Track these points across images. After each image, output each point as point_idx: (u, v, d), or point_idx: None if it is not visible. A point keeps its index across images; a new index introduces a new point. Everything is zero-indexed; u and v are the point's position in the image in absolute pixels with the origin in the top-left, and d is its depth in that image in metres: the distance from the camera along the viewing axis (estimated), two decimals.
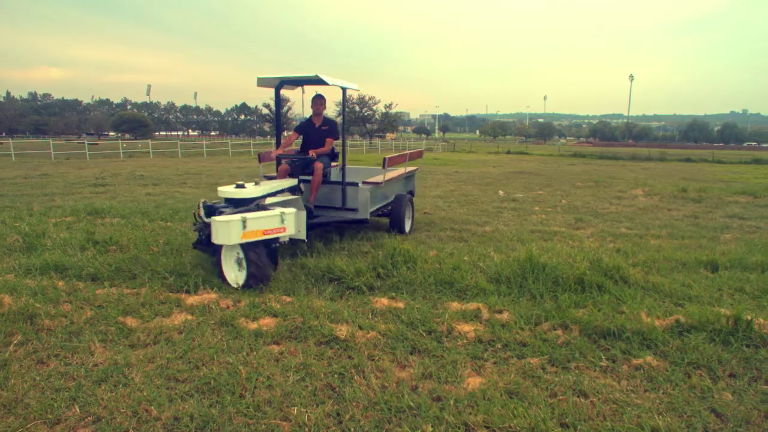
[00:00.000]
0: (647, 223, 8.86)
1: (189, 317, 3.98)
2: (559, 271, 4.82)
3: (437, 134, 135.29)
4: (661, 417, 2.71)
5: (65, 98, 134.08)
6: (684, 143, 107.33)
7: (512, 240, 7.05)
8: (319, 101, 6.48)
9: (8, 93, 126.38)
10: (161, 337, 3.61)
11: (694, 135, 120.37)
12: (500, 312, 4.15)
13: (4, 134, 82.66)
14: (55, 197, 10.82)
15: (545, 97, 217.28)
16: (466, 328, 3.84)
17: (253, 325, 3.82)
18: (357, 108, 77.13)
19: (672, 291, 4.72)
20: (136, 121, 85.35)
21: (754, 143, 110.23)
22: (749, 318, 3.72)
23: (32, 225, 6.95)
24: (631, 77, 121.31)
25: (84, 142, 33.30)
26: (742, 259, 5.85)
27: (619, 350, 3.50)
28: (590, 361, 3.36)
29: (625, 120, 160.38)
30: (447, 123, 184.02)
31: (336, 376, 3.12)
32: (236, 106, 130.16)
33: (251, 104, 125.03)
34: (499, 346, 3.56)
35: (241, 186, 5.09)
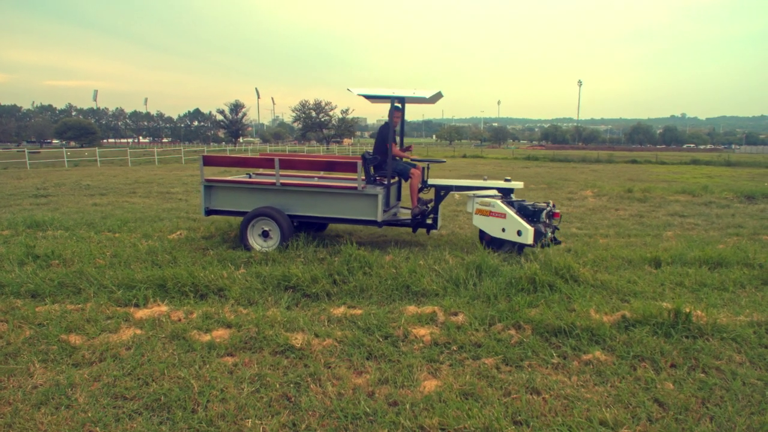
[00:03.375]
0: (596, 223, 9.21)
1: (138, 332, 3.83)
2: (512, 272, 4.94)
3: None
4: (608, 409, 2.82)
5: (2, 104, 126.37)
6: (630, 145, 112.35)
7: (467, 243, 7.17)
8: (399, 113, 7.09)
9: None
10: (107, 354, 3.46)
11: (639, 137, 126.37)
12: (456, 314, 4.21)
13: None
14: None
15: (499, 102, 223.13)
16: (422, 331, 3.87)
17: (206, 337, 3.72)
18: (313, 114, 76.69)
19: (619, 287, 4.93)
20: (82, 128, 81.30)
21: (692, 145, 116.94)
22: (688, 310, 3.93)
23: None
24: (580, 83, 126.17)
25: (24, 151, 31.49)
26: (682, 254, 6.17)
27: (569, 347, 3.62)
28: (542, 359, 3.46)
29: (575, 124, 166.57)
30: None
31: (292, 385, 3.08)
32: (189, 112, 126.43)
33: (204, 110, 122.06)
34: (455, 348, 3.61)
35: (508, 180, 7.16)
